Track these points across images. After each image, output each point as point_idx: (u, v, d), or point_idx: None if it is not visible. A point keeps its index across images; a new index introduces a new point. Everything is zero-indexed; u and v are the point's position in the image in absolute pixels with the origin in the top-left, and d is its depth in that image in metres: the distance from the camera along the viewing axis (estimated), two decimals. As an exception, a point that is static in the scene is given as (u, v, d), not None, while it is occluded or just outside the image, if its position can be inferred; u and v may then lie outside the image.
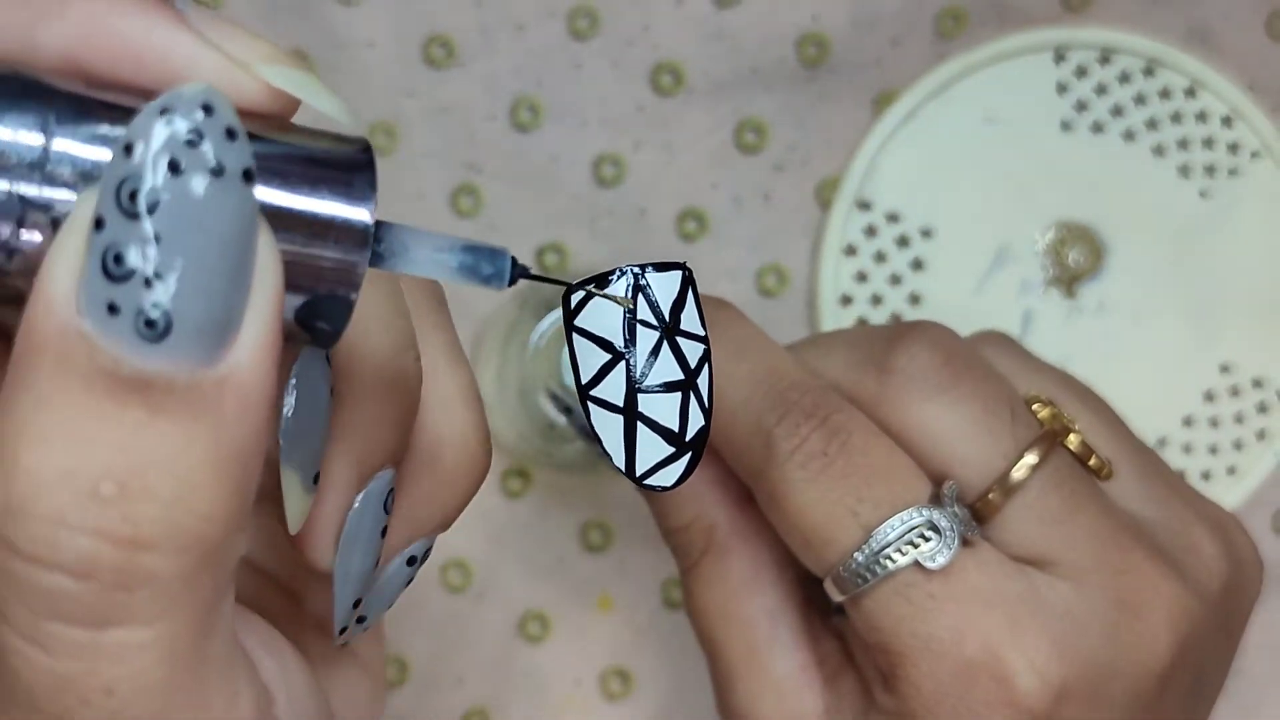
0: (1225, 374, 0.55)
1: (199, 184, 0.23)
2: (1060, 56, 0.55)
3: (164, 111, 0.23)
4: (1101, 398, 0.46)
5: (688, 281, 0.32)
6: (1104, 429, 0.44)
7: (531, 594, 0.55)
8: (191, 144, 0.23)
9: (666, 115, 0.53)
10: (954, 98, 0.54)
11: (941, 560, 0.39)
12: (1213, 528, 0.44)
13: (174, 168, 0.23)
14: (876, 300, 0.54)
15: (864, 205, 0.54)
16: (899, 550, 0.40)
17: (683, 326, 0.32)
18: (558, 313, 0.47)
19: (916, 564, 0.39)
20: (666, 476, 0.32)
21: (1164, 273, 0.55)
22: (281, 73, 0.26)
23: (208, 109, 0.23)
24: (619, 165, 0.53)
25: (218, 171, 0.23)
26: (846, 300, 0.54)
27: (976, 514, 0.41)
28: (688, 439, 0.32)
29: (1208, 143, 0.55)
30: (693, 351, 0.32)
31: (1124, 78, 0.55)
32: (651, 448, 0.32)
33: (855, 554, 0.40)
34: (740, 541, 0.44)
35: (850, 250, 0.54)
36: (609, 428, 0.32)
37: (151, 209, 0.23)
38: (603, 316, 0.32)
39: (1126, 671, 0.40)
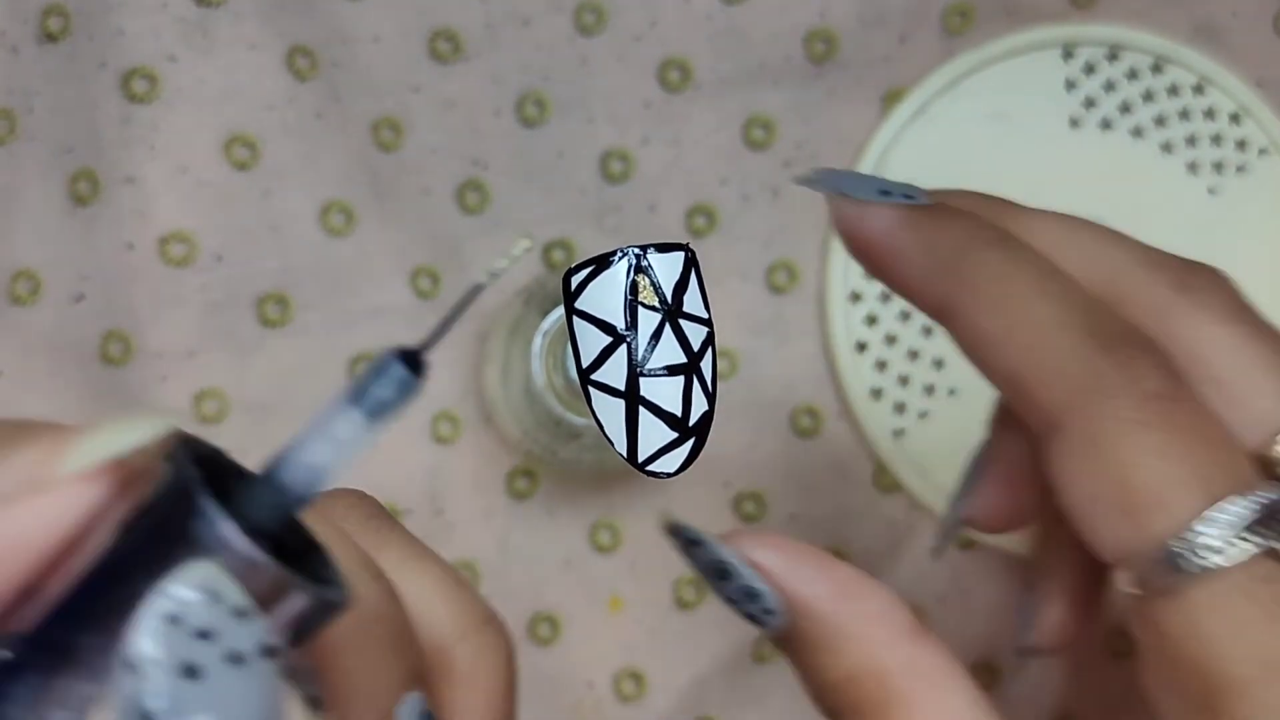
0: (1235, 371, 0.55)
1: (221, 680, 0.22)
2: (1068, 53, 0.54)
3: (174, 619, 0.22)
4: None
5: (690, 262, 0.32)
6: None
7: (540, 596, 0.54)
8: (205, 637, 0.22)
9: (674, 111, 0.53)
10: (962, 94, 0.54)
11: None
12: None
13: (190, 672, 0.22)
14: (886, 296, 0.54)
15: (872, 202, 0.54)
16: (1253, 532, 0.31)
17: (686, 309, 0.32)
18: (562, 309, 0.47)
19: (1271, 554, 0.30)
20: (668, 463, 0.32)
21: (1173, 270, 0.55)
22: (84, 451, 0.23)
23: (211, 593, 0.22)
24: (627, 161, 0.53)
25: (236, 659, 0.22)
26: (856, 297, 0.54)
27: None
28: (690, 424, 0.32)
29: (1216, 139, 0.55)
30: (696, 334, 0.32)
31: (1132, 74, 0.54)
32: (653, 433, 0.32)
33: (1196, 525, 0.31)
34: (925, 685, 0.32)
35: (858, 247, 0.54)
36: (610, 413, 0.32)
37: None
38: (604, 299, 0.31)
39: None
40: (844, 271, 0.54)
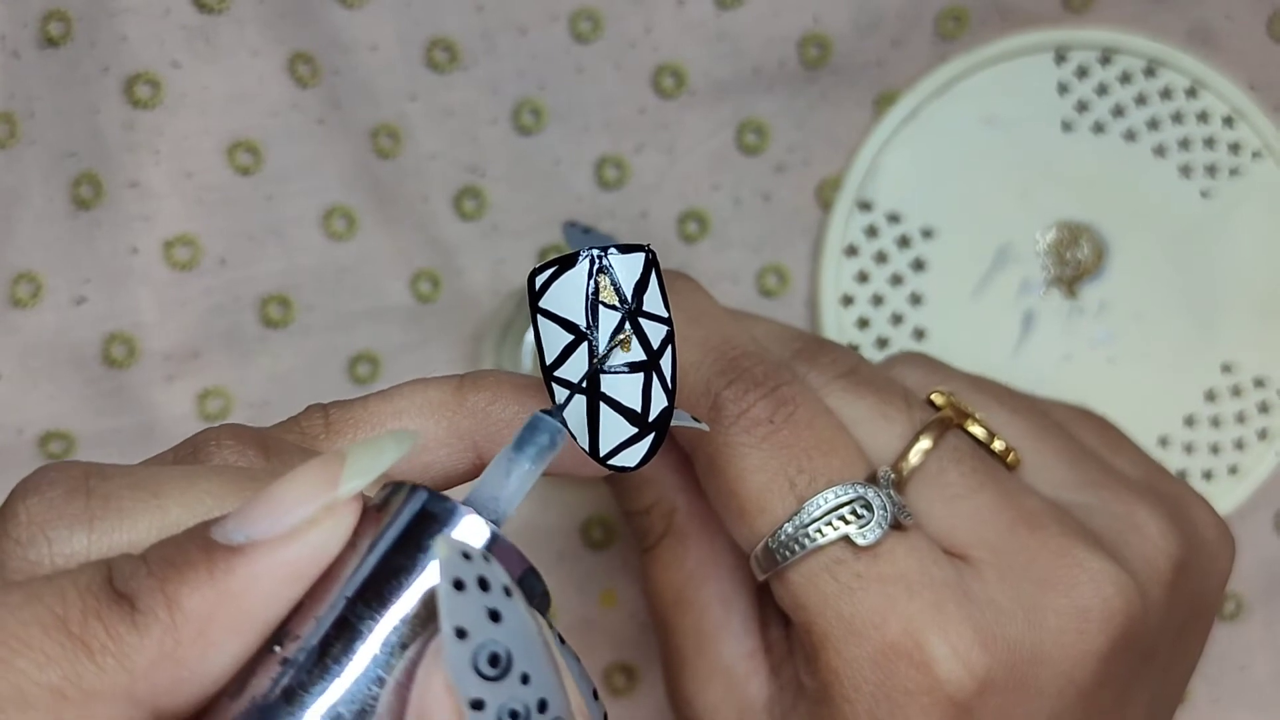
0: (1227, 373, 0.55)
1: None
2: (1061, 57, 0.55)
3: (458, 585, 0.28)
4: (1023, 395, 0.46)
5: (651, 263, 0.32)
6: (1022, 423, 0.44)
7: (535, 591, 0.55)
8: (484, 586, 0.28)
9: (668, 117, 0.54)
10: (955, 98, 0.54)
11: (871, 537, 0.39)
12: (1160, 507, 0.43)
13: (494, 615, 0.28)
14: (877, 300, 0.55)
15: (865, 206, 0.54)
16: (830, 524, 0.39)
17: (645, 308, 0.32)
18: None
19: (846, 540, 0.39)
20: (629, 457, 0.33)
21: (1165, 273, 0.55)
22: (349, 483, 0.29)
23: (462, 553, 0.28)
24: (621, 167, 0.54)
25: (508, 591, 0.28)
26: (848, 300, 0.55)
27: None
28: (650, 420, 0.33)
29: (1209, 143, 0.55)
30: (655, 333, 0.33)
31: (1125, 78, 0.55)
32: (614, 428, 0.32)
33: (786, 524, 0.39)
34: (699, 526, 0.44)
35: (851, 251, 0.55)
36: (573, 408, 0.32)
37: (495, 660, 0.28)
38: (567, 298, 0.32)
39: (1054, 655, 0.39)
40: (835, 275, 0.54)
